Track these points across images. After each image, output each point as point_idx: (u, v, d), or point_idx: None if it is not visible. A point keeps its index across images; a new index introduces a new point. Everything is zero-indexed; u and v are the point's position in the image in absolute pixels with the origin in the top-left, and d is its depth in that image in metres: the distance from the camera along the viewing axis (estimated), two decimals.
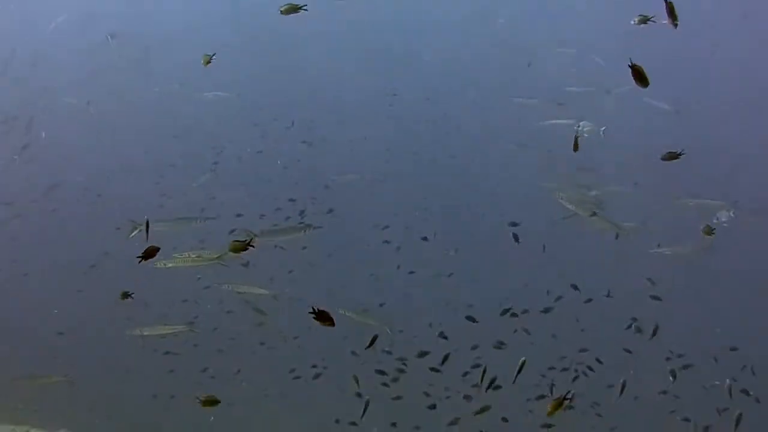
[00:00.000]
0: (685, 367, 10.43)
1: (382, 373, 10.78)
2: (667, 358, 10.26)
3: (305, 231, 8.92)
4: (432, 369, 10.51)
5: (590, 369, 11.19)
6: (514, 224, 11.87)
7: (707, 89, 16.66)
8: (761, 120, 16.05)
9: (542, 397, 10.36)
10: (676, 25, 5.59)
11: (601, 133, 11.12)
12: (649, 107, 15.09)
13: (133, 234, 8.25)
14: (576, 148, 7.72)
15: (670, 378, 9.94)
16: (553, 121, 13.20)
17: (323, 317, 5.77)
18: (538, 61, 17.08)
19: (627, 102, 15.06)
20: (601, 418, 10.81)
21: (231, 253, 7.69)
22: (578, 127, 11.27)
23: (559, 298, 10.65)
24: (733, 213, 10.63)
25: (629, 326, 10.79)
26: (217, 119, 16.23)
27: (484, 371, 9.15)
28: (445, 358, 10.15)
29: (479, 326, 10.89)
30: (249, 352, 12.68)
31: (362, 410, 9.56)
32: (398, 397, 10.90)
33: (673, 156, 7.24)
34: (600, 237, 11.49)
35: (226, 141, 15.70)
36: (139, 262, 6.20)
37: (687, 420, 10.87)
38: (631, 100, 15.20)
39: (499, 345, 11.19)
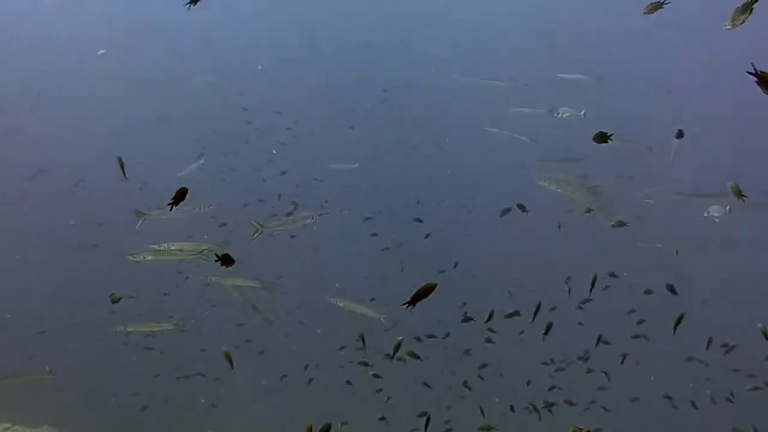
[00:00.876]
0: (731, 348, 10.27)
1: (365, 364, 10.66)
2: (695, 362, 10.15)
3: (312, 218, 8.80)
4: (414, 355, 10.37)
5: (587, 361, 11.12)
6: (507, 210, 11.63)
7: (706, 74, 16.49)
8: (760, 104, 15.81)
9: (551, 404, 10.31)
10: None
11: (582, 115, 10.84)
12: (641, 95, 14.88)
13: (139, 224, 8.29)
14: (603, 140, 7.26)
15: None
16: (533, 110, 12.96)
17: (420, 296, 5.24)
18: (531, 50, 16.89)
19: (617, 88, 14.86)
20: (609, 413, 10.72)
21: (215, 248, 7.45)
22: (557, 114, 11.02)
23: (553, 308, 10.48)
24: (729, 208, 10.35)
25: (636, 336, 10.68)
26: (204, 106, 15.95)
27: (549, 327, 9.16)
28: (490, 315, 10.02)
29: (474, 326, 10.70)
30: (235, 348, 12.44)
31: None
32: (389, 398, 10.77)
33: (681, 134, 7.07)
34: (595, 230, 11.28)
35: (213, 129, 15.42)
36: (171, 208, 5.82)
37: (694, 407, 10.76)
38: (621, 87, 15.01)
39: (489, 340, 11.09)
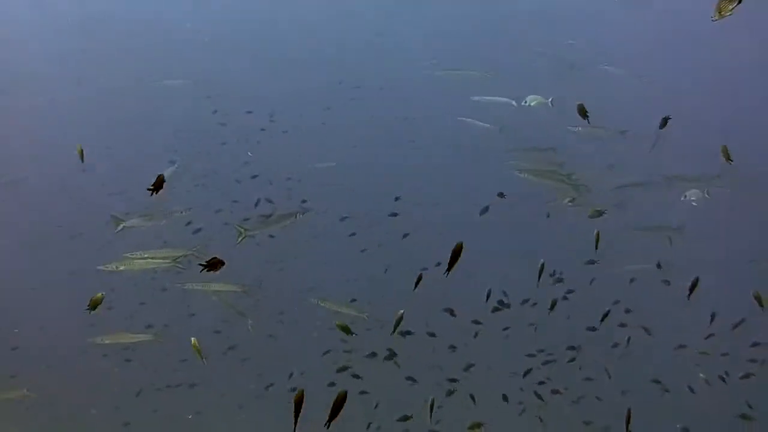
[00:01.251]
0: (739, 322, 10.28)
1: (345, 369, 10.56)
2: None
3: (296, 217, 8.63)
4: (389, 356, 10.28)
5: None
6: (486, 209, 11.52)
7: (678, 57, 16.44)
8: (737, 87, 15.82)
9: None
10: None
11: (550, 103, 10.71)
12: (617, 81, 14.80)
13: (119, 229, 8.23)
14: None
15: None
16: (498, 99, 12.86)
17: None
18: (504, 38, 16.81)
19: (589, 75, 14.79)
20: (602, 402, 10.68)
21: (190, 254, 7.29)
22: (525, 102, 10.89)
23: (534, 304, 10.45)
24: (708, 192, 10.32)
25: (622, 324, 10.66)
26: (175, 108, 15.69)
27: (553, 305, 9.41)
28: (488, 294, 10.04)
29: (460, 322, 10.61)
30: (222, 354, 12.27)
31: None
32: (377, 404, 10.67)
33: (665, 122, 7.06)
34: (576, 220, 11.19)
35: (186, 133, 15.17)
36: (152, 194, 5.82)
37: (692, 391, 10.77)
38: (596, 73, 14.93)
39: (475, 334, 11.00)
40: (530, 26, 17.01)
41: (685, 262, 12.16)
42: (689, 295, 8.26)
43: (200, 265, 6.05)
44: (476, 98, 13.11)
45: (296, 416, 4.86)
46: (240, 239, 8.31)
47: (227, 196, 13.09)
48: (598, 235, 8.54)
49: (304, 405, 4.88)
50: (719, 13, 4.42)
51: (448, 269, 5.59)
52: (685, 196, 10.24)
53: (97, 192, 14.21)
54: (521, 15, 17.44)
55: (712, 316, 9.93)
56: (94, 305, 6.71)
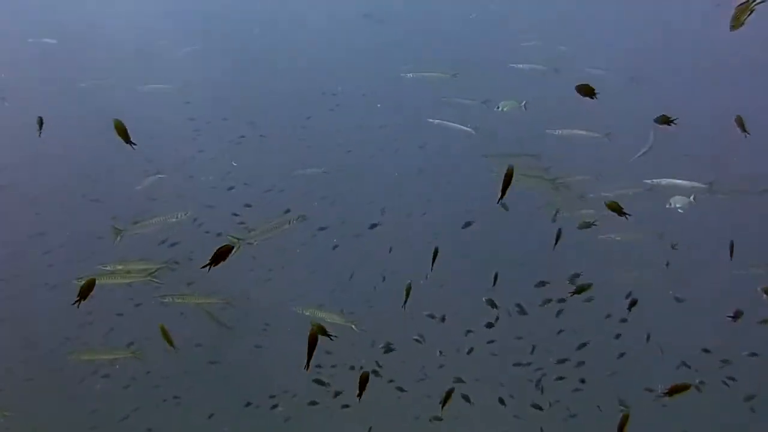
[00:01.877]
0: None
1: (321, 383, 10.37)
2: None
3: (291, 222, 8.38)
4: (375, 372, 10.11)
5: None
6: (469, 224, 11.35)
7: (666, 56, 16.35)
8: (731, 87, 15.68)
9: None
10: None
11: (523, 107, 10.49)
12: (599, 80, 14.64)
13: (118, 239, 8.00)
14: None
15: None
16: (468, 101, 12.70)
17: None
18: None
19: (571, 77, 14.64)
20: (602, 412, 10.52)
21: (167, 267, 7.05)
22: (497, 108, 10.71)
23: (521, 309, 10.25)
24: (694, 198, 10.17)
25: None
26: (155, 114, 15.44)
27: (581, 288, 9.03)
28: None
29: (450, 334, 10.42)
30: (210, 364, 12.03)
31: None
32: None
33: (666, 120, 6.80)
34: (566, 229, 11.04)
35: (163, 139, 14.89)
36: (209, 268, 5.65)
37: (698, 391, 10.61)
38: (580, 74, 14.79)
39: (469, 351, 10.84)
40: (516, 28, 16.90)
41: (679, 268, 12.10)
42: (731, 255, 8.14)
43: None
44: (447, 99, 12.99)
45: (310, 354, 5.20)
46: (235, 251, 8.02)
47: (206, 206, 12.84)
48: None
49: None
50: (737, 19, 4.31)
51: (501, 196, 5.97)
52: (671, 203, 10.11)
53: (78, 200, 13.94)
54: (510, 16, 17.36)
55: (736, 314, 9.76)
56: (85, 292, 6.22)
